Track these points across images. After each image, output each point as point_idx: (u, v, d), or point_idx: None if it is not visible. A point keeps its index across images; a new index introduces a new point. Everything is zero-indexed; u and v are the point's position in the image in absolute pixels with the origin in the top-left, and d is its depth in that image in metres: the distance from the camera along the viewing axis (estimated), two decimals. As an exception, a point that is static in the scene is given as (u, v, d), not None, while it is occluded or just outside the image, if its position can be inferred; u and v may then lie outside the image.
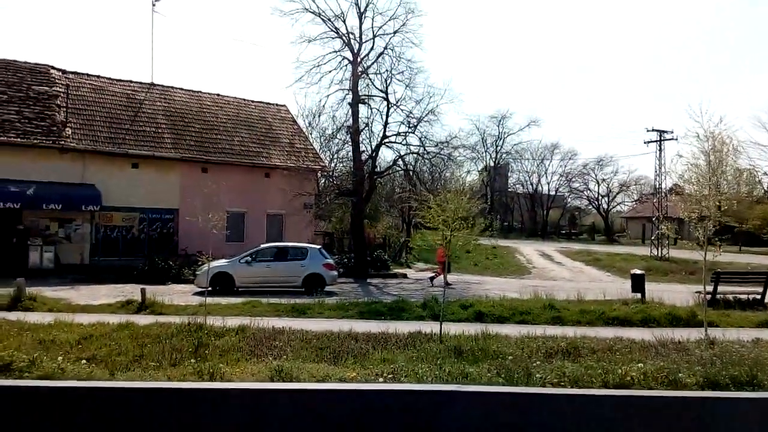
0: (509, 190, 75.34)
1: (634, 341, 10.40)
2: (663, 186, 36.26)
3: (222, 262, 17.88)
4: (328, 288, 19.23)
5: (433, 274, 22.92)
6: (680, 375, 7.40)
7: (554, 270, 30.32)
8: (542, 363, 8.43)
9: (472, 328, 11.54)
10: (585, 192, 64.23)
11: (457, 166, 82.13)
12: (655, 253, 33.85)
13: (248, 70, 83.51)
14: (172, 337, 9.88)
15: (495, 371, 7.90)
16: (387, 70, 25.29)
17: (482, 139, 73.40)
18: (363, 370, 8.01)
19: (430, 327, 11.06)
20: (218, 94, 29.56)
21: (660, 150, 35.51)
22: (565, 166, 65.41)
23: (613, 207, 64.79)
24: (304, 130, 31.68)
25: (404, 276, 25.46)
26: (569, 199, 73.10)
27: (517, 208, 76.42)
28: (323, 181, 30.58)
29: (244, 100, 30.36)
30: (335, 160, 28.77)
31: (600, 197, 63.13)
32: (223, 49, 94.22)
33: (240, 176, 25.86)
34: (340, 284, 22.22)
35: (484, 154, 75.30)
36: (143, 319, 12.08)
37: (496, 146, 74.54)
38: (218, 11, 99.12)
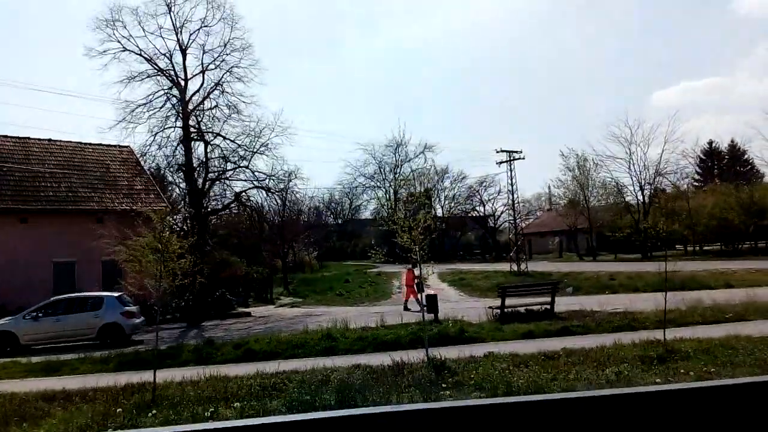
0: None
1: (357, 366, 10.34)
2: (516, 201, 37.63)
3: (5, 320, 16.62)
4: (138, 336, 18.31)
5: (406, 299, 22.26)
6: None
7: (415, 294, 30.44)
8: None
9: (225, 370, 11.14)
10: (471, 213, 65.83)
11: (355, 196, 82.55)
12: (515, 269, 34.81)
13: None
14: None
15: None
16: (216, 106, 24.86)
17: (380, 167, 74.41)
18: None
19: (171, 374, 10.61)
20: (49, 140, 28.11)
21: (511, 169, 36.98)
22: (455, 189, 67.00)
23: (502, 225, 66.73)
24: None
25: (248, 315, 24.79)
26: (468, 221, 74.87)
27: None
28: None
29: (81, 144, 29.03)
30: (177, 198, 27.85)
31: (485, 217, 64.92)
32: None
33: (67, 224, 24.49)
34: (168, 330, 21.28)
35: (383, 182, 76.28)
36: None
37: (395, 173, 75.63)
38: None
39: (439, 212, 71.30)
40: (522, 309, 16.40)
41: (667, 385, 1.87)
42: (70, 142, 28.74)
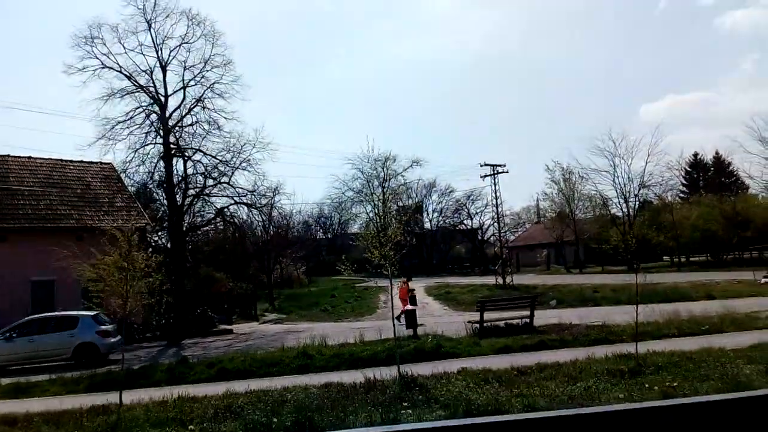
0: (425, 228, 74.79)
1: (329, 384, 10.21)
2: (502, 214, 37.72)
3: (-25, 341, 16.36)
4: (116, 356, 18.04)
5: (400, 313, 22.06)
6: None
7: (399, 308, 30.30)
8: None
9: (196, 390, 10.97)
10: (459, 226, 65.97)
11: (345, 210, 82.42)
12: (500, 281, 34.78)
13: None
14: None
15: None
16: (197, 122, 24.79)
17: (368, 182, 74.43)
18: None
19: (140, 395, 10.46)
20: (29, 157, 27.88)
21: (495, 183, 37.11)
22: (443, 203, 67.16)
23: (490, 238, 66.80)
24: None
25: (230, 332, 24.54)
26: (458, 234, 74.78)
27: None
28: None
29: (61, 161, 28.81)
30: (161, 215, 27.66)
31: (474, 230, 65.04)
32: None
33: (46, 242, 24.13)
34: (147, 348, 21.03)
35: (371, 196, 76.24)
36: None
37: (383, 188, 75.69)
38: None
39: (428, 225, 71.51)
40: (501, 323, 16.34)
41: (617, 405, 1.85)
42: (50, 159, 28.53)
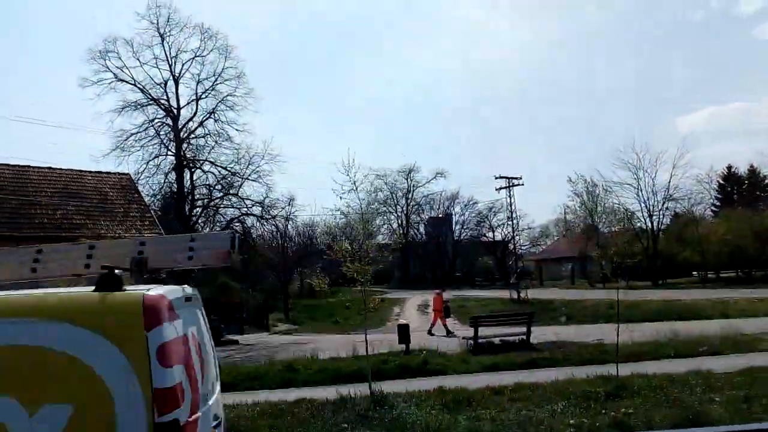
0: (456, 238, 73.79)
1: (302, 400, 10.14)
2: (516, 226, 37.19)
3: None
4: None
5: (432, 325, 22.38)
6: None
7: (410, 321, 30.00)
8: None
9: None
10: (482, 238, 65.27)
11: (367, 221, 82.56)
12: (515, 296, 34.21)
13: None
14: None
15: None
16: (208, 134, 25.18)
17: (392, 193, 74.59)
18: None
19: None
20: (49, 168, 28.65)
21: (510, 195, 36.64)
22: (465, 215, 66.62)
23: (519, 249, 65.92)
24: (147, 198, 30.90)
25: (235, 342, 24.67)
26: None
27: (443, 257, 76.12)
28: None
29: (80, 172, 29.49)
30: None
31: (496, 242, 64.22)
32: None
33: (60, 251, 24.79)
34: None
35: (395, 207, 76.39)
36: None
37: (407, 199, 75.81)
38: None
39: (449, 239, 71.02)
40: (497, 340, 16.00)
41: None
42: (70, 169, 29.22)
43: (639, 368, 11.26)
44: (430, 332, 21.32)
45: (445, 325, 21.92)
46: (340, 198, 10.30)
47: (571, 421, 7.04)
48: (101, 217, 27.18)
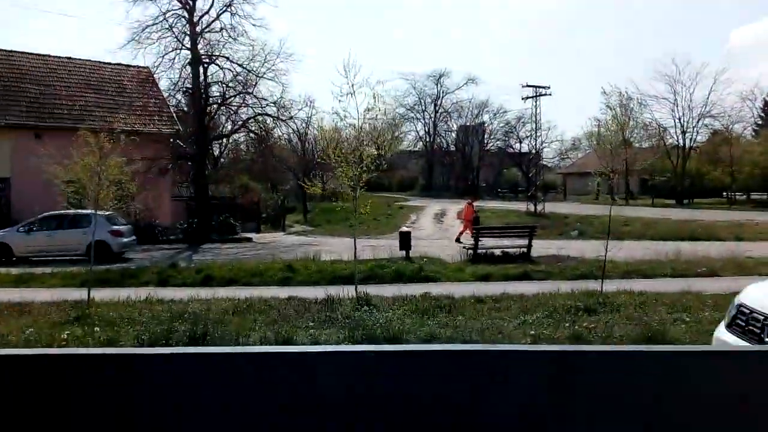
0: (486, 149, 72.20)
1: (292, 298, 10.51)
2: (539, 137, 36.26)
3: (1, 232, 17.58)
4: (130, 254, 19.11)
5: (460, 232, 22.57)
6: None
7: (423, 229, 30.41)
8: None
9: (174, 293, 11.51)
10: (508, 149, 64.04)
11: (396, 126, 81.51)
12: (531, 209, 34.00)
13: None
14: None
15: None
16: (223, 28, 24.52)
17: (420, 99, 72.88)
18: None
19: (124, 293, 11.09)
20: (69, 58, 28.56)
21: (536, 105, 35.44)
22: (493, 125, 65.10)
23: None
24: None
25: (249, 240, 25.33)
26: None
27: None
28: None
29: (100, 63, 29.38)
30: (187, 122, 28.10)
31: (521, 154, 62.97)
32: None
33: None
34: (165, 250, 22.01)
35: (423, 113, 74.91)
36: None
37: (435, 105, 74.03)
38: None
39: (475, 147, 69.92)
40: (498, 251, 16.08)
41: (487, 345, 1.78)
42: (90, 60, 29.12)
43: (628, 285, 11.28)
44: (458, 240, 21.40)
45: (461, 233, 22.04)
46: (339, 101, 9.92)
47: (531, 332, 7.15)
48: (119, 110, 27.31)
